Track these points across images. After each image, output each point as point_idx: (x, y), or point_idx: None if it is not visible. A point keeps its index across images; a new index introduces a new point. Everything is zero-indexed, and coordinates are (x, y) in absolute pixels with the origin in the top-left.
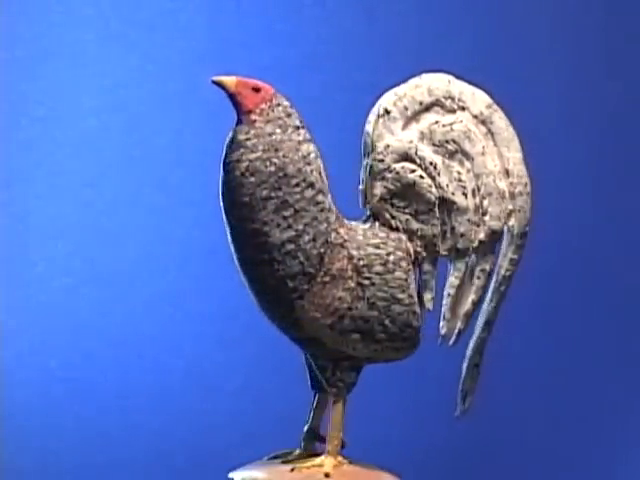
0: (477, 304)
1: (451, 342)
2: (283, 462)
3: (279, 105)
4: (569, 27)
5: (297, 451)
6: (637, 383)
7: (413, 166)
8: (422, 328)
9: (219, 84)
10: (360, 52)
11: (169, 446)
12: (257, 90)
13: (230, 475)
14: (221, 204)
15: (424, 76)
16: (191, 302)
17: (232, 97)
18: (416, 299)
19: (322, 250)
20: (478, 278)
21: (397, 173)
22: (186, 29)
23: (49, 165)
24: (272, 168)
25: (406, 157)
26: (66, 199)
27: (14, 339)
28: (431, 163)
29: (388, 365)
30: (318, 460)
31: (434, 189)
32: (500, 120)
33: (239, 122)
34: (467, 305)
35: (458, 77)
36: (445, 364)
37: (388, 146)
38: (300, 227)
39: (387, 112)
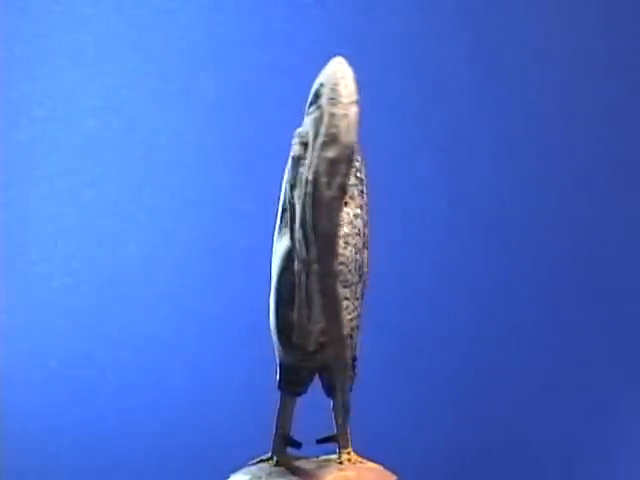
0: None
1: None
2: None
3: None
4: (569, 26)
5: (273, 458)
6: (636, 383)
7: None
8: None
9: None
10: (360, 52)
11: (169, 446)
12: None
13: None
14: None
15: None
16: (191, 302)
17: None
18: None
19: None
20: None
21: None
22: (186, 29)
23: (49, 165)
24: None
25: None
26: (66, 199)
27: (14, 339)
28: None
29: (388, 365)
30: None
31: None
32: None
33: None
34: None
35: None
36: (446, 364)
37: None
38: None
39: None
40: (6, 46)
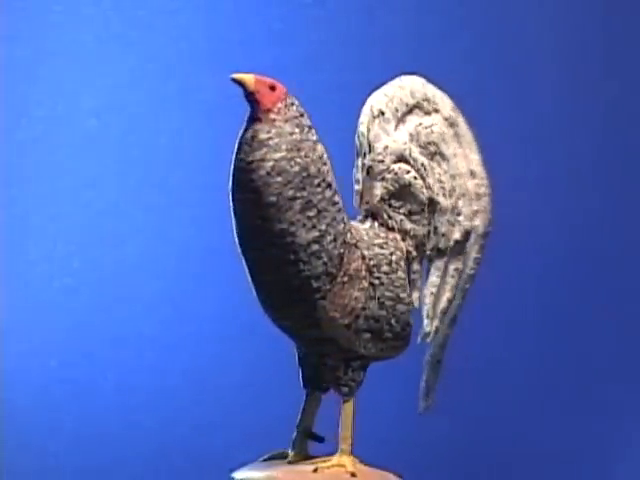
0: (451, 302)
1: (429, 339)
2: (290, 462)
3: (293, 104)
4: (568, 25)
5: (291, 452)
6: (636, 383)
7: (408, 167)
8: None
9: (238, 82)
10: (360, 52)
11: (169, 446)
12: (273, 88)
13: (238, 476)
14: (236, 204)
15: (403, 78)
16: (191, 302)
17: (250, 95)
18: (412, 298)
19: (342, 250)
20: (452, 277)
21: (395, 174)
22: (186, 29)
23: (49, 165)
24: (297, 168)
25: (402, 158)
26: (66, 199)
27: (14, 339)
28: (422, 164)
29: (389, 365)
30: (335, 460)
31: (425, 190)
32: (463, 123)
33: (257, 120)
34: (443, 303)
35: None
36: (446, 364)
37: (387, 147)
38: (323, 227)
39: (382, 113)
40: (6, 46)
